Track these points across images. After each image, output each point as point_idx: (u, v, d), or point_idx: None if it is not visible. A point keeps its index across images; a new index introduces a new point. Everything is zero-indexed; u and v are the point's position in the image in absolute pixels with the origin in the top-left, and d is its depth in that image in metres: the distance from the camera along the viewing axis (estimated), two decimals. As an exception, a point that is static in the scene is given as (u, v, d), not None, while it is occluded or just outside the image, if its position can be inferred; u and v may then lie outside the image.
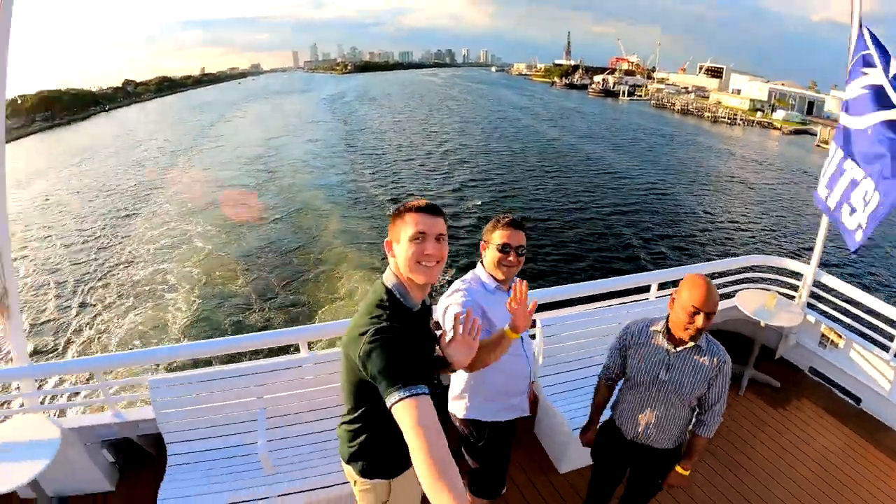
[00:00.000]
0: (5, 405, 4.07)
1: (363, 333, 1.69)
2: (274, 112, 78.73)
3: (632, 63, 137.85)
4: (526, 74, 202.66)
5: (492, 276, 2.51)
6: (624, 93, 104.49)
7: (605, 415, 2.80)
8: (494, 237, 2.46)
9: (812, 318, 4.84)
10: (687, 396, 2.35)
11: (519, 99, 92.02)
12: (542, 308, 4.12)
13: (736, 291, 4.96)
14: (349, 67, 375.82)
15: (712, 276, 4.98)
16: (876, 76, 3.30)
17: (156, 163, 42.06)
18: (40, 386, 3.73)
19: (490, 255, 2.48)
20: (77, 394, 4.80)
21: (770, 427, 4.19)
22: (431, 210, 1.82)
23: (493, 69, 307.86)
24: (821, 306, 4.83)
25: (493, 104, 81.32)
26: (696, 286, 2.21)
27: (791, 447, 3.97)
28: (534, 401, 2.86)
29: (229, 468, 3.12)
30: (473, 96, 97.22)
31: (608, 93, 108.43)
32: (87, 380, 4.07)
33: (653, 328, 2.45)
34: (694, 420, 2.51)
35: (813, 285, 4.82)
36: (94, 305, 16.87)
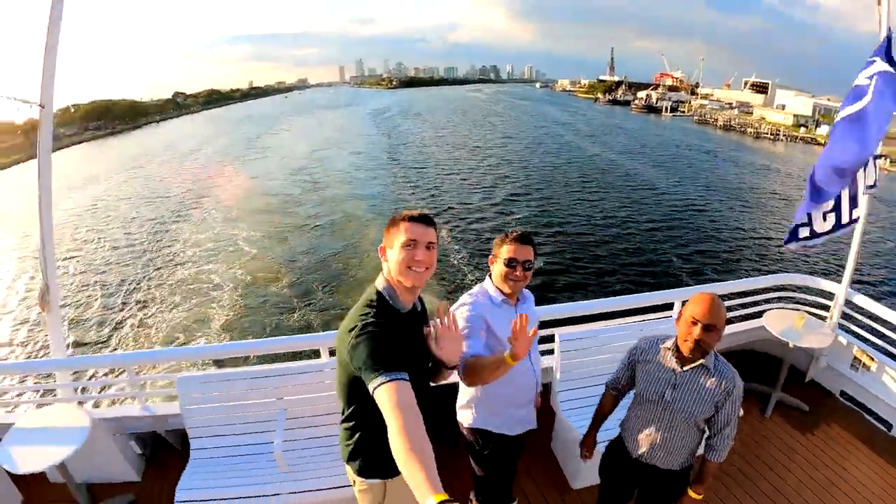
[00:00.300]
0: (42, 394, 4.28)
1: (351, 330, 1.80)
2: (319, 125, 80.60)
3: (676, 79, 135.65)
4: (570, 91, 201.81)
5: (499, 289, 2.54)
6: (667, 108, 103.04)
7: (614, 433, 2.78)
8: (502, 252, 2.50)
9: (844, 339, 4.68)
10: (692, 417, 2.32)
11: (562, 115, 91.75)
12: (562, 323, 4.10)
13: (764, 311, 4.84)
14: (395, 83, 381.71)
15: (741, 294, 4.90)
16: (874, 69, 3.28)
17: (204, 171, 43.59)
18: (76, 378, 3.90)
19: (497, 269, 2.52)
20: (110, 386, 5.01)
21: (798, 454, 4.04)
22: (424, 220, 1.96)
23: (538, 85, 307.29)
24: (853, 327, 4.66)
25: (536, 120, 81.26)
26: (700, 300, 2.21)
27: (819, 476, 3.83)
28: (541, 407, 2.87)
29: (247, 464, 3.23)
30: (517, 112, 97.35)
31: (651, 109, 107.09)
32: (119, 374, 4.25)
33: (663, 346, 2.44)
34: (704, 443, 2.47)
35: (845, 305, 4.64)
36: (140, 302, 17.60)
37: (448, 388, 2.88)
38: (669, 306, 4.48)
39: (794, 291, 5.00)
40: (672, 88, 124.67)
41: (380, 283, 2.00)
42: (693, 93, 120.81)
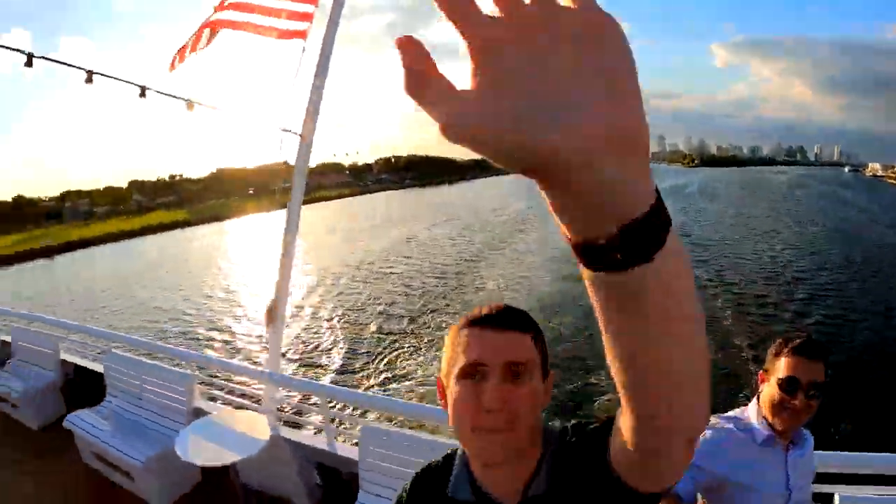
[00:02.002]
0: (241, 396, 4.60)
1: None
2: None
3: None
4: (881, 176, 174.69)
5: (766, 420, 1.78)
6: None
7: None
8: (778, 366, 1.72)
9: None
10: None
11: (868, 203, 75.98)
12: (843, 479, 2.95)
13: None
14: (696, 160, 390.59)
15: None
16: None
17: (510, 224, 49.86)
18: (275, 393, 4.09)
19: (768, 391, 1.75)
20: (305, 412, 5.27)
21: None
22: (501, 320, 0.93)
23: (847, 169, 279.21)
24: None
25: (837, 208, 68.42)
26: None
27: None
28: None
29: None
30: (817, 199, 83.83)
31: None
32: (313, 401, 4.34)
33: None
34: None
35: None
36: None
37: None
38: None
39: None
40: None
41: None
42: None
